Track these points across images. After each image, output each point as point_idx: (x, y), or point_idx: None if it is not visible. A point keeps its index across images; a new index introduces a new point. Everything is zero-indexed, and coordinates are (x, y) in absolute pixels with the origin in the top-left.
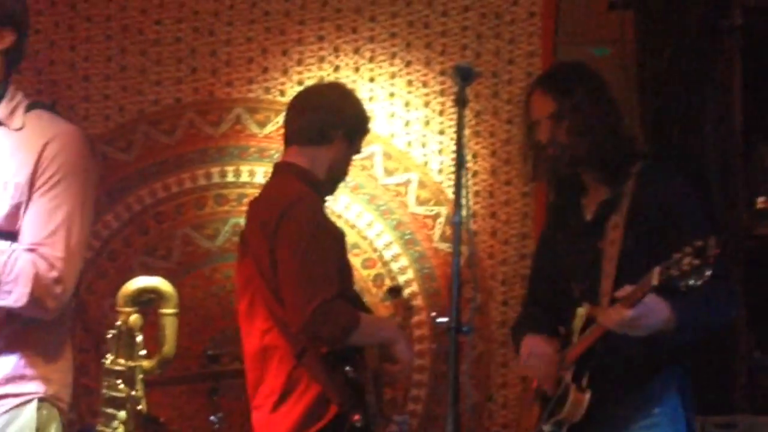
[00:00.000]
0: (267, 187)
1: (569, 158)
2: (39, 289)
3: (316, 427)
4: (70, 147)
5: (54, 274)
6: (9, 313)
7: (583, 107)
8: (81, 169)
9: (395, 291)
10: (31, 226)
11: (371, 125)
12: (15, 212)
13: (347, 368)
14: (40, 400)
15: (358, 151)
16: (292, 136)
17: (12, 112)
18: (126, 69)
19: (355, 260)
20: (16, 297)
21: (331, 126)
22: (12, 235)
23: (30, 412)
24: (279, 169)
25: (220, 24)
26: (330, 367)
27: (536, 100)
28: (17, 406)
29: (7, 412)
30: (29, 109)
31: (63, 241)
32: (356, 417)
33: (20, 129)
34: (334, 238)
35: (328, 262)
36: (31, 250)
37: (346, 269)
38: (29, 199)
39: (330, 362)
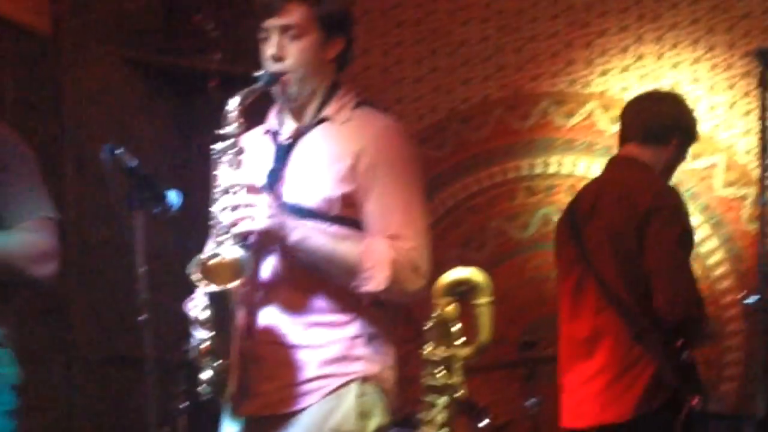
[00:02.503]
0: (616, 178)
1: None
2: (398, 274)
3: (654, 407)
4: (395, 141)
5: (410, 261)
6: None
7: None
8: (408, 160)
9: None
10: (376, 219)
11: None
12: (332, 197)
13: (684, 352)
14: (363, 380)
15: (684, 158)
16: (631, 133)
17: (340, 110)
18: (436, 70)
19: None
20: (377, 282)
21: (670, 129)
22: (329, 218)
23: (353, 393)
24: (624, 162)
25: (524, 21)
26: (668, 349)
27: None
28: (341, 386)
29: (330, 393)
30: (357, 106)
31: (411, 230)
32: (695, 400)
33: (346, 123)
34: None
35: (688, 258)
36: (387, 237)
37: None
38: (362, 192)
39: (668, 344)
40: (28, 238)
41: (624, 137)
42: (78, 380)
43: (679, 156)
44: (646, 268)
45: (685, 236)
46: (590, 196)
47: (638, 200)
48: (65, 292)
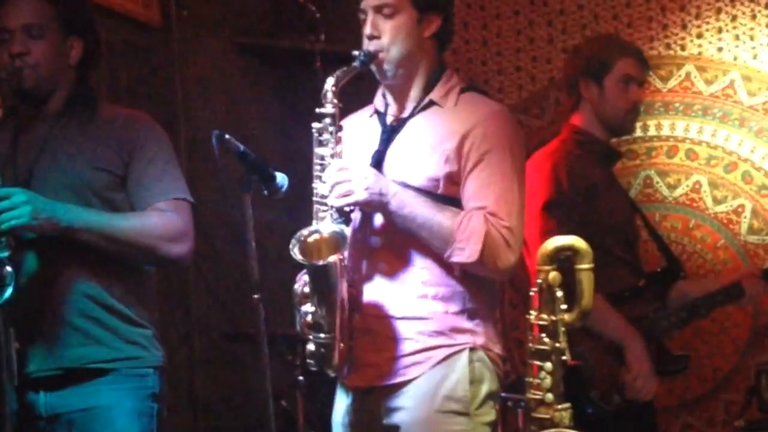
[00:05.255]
0: None
1: None
2: (490, 248)
3: None
4: (501, 125)
5: (503, 238)
6: (466, 272)
7: None
8: (512, 144)
9: None
10: (474, 196)
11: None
12: (437, 176)
13: None
14: (471, 350)
15: (628, 94)
16: None
17: (446, 94)
18: (534, 40)
19: (764, 201)
20: (469, 253)
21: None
22: (433, 197)
23: (463, 361)
24: None
25: None
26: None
27: None
28: (450, 355)
29: (440, 362)
30: (463, 91)
31: (506, 209)
32: None
33: (453, 107)
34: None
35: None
36: (483, 212)
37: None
38: (464, 171)
39: None
40: (159, 218)
41: None
42: (200, 358)
43: (603, 94)
44: None
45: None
46: None
47: None
48: (183, 273)
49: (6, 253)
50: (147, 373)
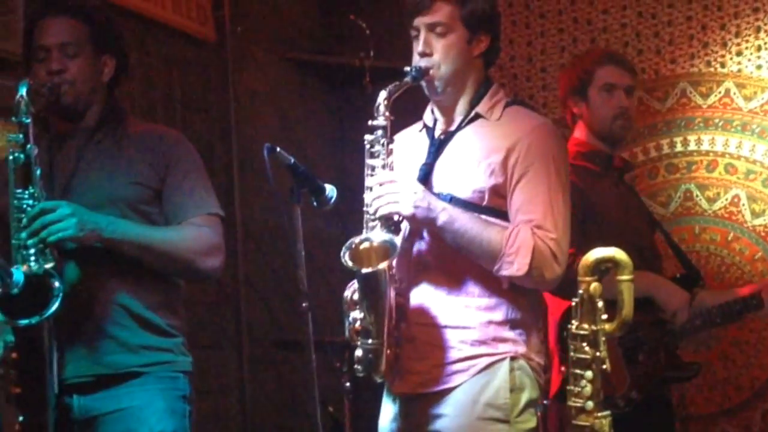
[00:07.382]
0: None
1: None
2: (538, 261)
3: None
4: (545, 138)
5: (550, 250)
6: (511, 283)
7: None
8: (556, 157)
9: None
10: (520, 209)
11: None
12: (483, 188)
13: None
14: (512, 358)
15: (612, 101)
16: None
17: (492, 108)
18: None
19: None
20: (517, 267)
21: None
22: (480, 209)
23: (504, 369)
24: None
25: (661, 7)
26: None
27: None
28: (491, 364)
29: (482, 370)
30: (508, 105)
31: (552, 222)
32: None
33: (498, 120)
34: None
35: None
36: (530, 226)
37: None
38: (510, 183)
39: None
40: (194, 232)
41: None
42: (249, 365)
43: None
44: None
45: None
46: None
47: None
48: (235, 282)
49: (52, 264)
50: (177, 377)
